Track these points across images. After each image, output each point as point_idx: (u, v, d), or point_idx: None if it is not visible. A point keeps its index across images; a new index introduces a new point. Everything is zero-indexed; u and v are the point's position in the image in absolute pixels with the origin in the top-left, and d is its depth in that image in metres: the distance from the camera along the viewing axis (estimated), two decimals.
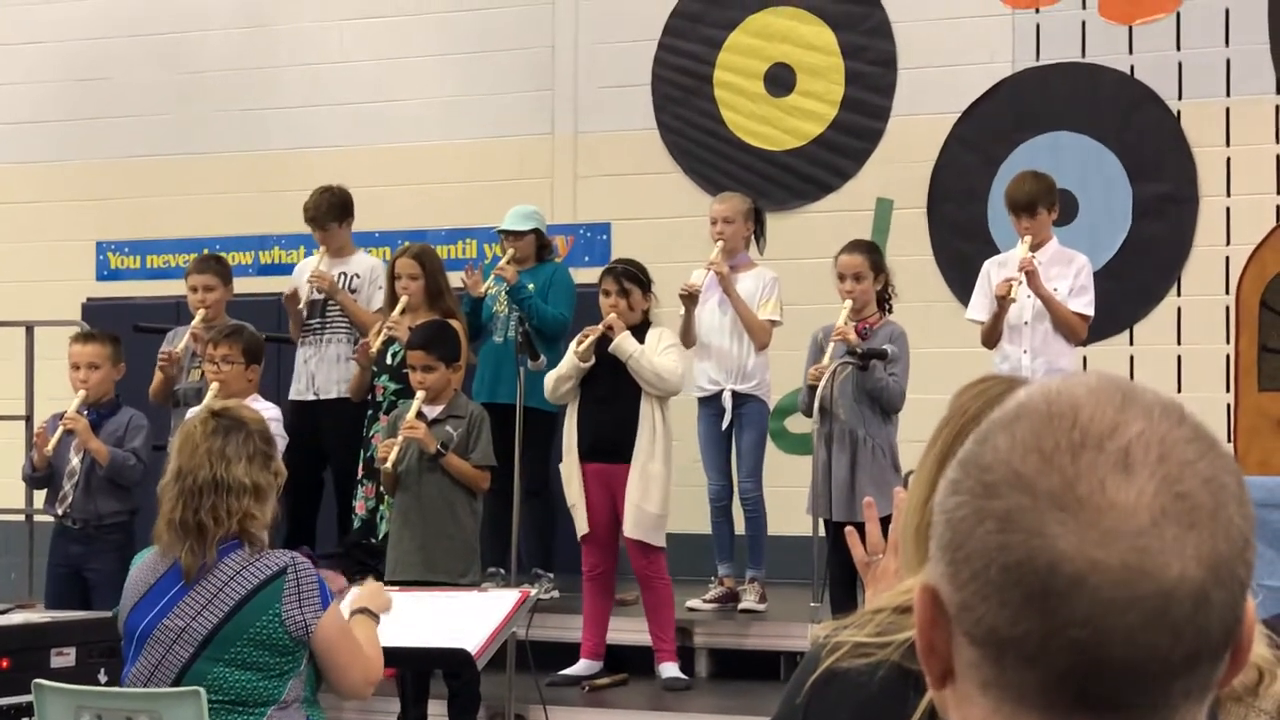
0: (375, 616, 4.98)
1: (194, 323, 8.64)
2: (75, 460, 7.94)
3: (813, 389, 7.80)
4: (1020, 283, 7.88)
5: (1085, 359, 8.75)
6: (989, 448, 1.14)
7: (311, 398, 9.12)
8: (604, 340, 8.02)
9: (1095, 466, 1.10)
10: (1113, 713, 1.10)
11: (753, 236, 8.84)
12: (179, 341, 8.68)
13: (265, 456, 4.66)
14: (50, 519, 8.24)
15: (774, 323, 8.65)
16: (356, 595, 5.10)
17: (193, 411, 5.72)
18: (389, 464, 7.44)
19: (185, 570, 4.59)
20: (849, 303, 7.99)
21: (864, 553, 2.47)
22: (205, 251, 10.07)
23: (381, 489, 8.02)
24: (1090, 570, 1.08)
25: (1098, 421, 1.11)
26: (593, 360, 8.03)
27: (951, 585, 1.13)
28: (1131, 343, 9.89)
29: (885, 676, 1.94)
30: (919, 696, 1.82)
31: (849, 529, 2.74)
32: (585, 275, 9.63)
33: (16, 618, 6.61)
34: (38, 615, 6.84)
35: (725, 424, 8.68)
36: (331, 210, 9.25)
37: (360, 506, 8.53)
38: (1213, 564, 1.09)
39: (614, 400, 8.04)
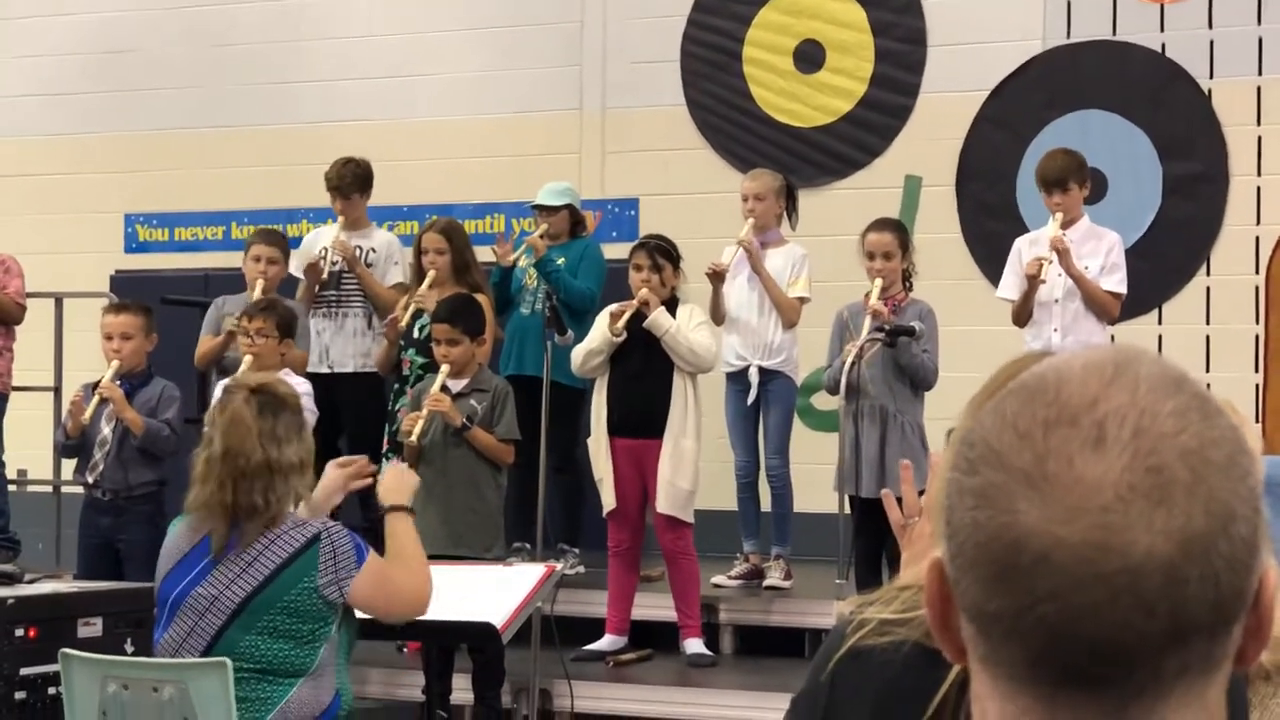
0: (409, 509, 4.99)
1: (256, 292, 8.60)
2: (107, 430, 7.95)
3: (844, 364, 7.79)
4: (1051, 261, 7.85)
5: (1113, 338, 8.71)
6: (978, 424, 1.14)
7: (325, 370, 9.07)
8: (637, 315, 8.01)
9: (1067, 442, 1.09)
10: (1102, 688, 1.09)
11: (784, 213, 8.83)
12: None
13: (303, 428, 4.73)
14: (78, 490, 8.26)
15: (803, 300, 8.63)
16: (382, 490, 5.11)
17: (225, 382, 5.76)
18: (413, 437, 7.44)
19: (215, 549, 4.60)
20: (879, 281, 7.97)
21: (900, 515, 2.48)
22: (253, 227, 10.04)
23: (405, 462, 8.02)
24: (1054, 547, 1.07)
25: (1077, 397, 1.10)
26: (624, 335, 8.01)
27: (947, 559, 1.14)
28: (1160, 322, 9.85)
29: (910, 654, 1.94)
30: (944, 674, 1.81)
31: (885, 492, 2.74)
32: (613, 251, 9.61)
33: (44, 588, 6.64)
34: (65, 585, 6.86)
35: (751, 400, 8.67)
36: (355, 180, 9.28)
37: None
38: (1184, 540, 1.07)
39: (645, 375, 8.02)
